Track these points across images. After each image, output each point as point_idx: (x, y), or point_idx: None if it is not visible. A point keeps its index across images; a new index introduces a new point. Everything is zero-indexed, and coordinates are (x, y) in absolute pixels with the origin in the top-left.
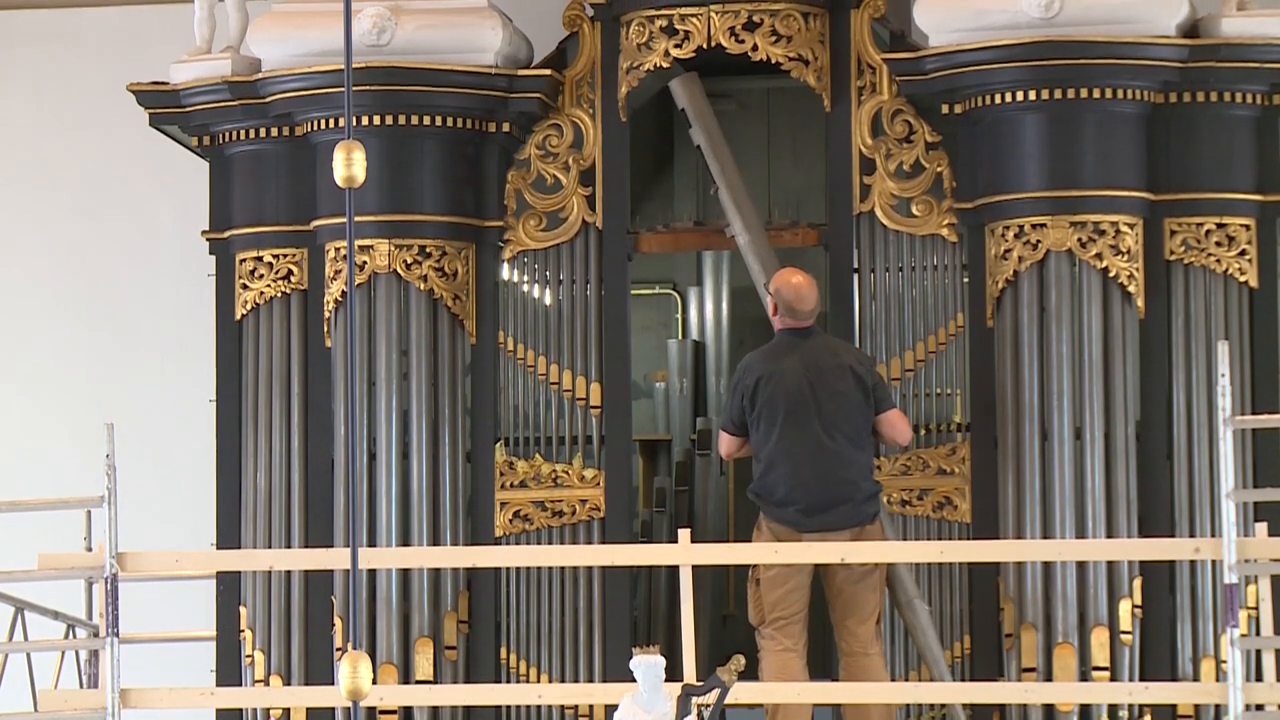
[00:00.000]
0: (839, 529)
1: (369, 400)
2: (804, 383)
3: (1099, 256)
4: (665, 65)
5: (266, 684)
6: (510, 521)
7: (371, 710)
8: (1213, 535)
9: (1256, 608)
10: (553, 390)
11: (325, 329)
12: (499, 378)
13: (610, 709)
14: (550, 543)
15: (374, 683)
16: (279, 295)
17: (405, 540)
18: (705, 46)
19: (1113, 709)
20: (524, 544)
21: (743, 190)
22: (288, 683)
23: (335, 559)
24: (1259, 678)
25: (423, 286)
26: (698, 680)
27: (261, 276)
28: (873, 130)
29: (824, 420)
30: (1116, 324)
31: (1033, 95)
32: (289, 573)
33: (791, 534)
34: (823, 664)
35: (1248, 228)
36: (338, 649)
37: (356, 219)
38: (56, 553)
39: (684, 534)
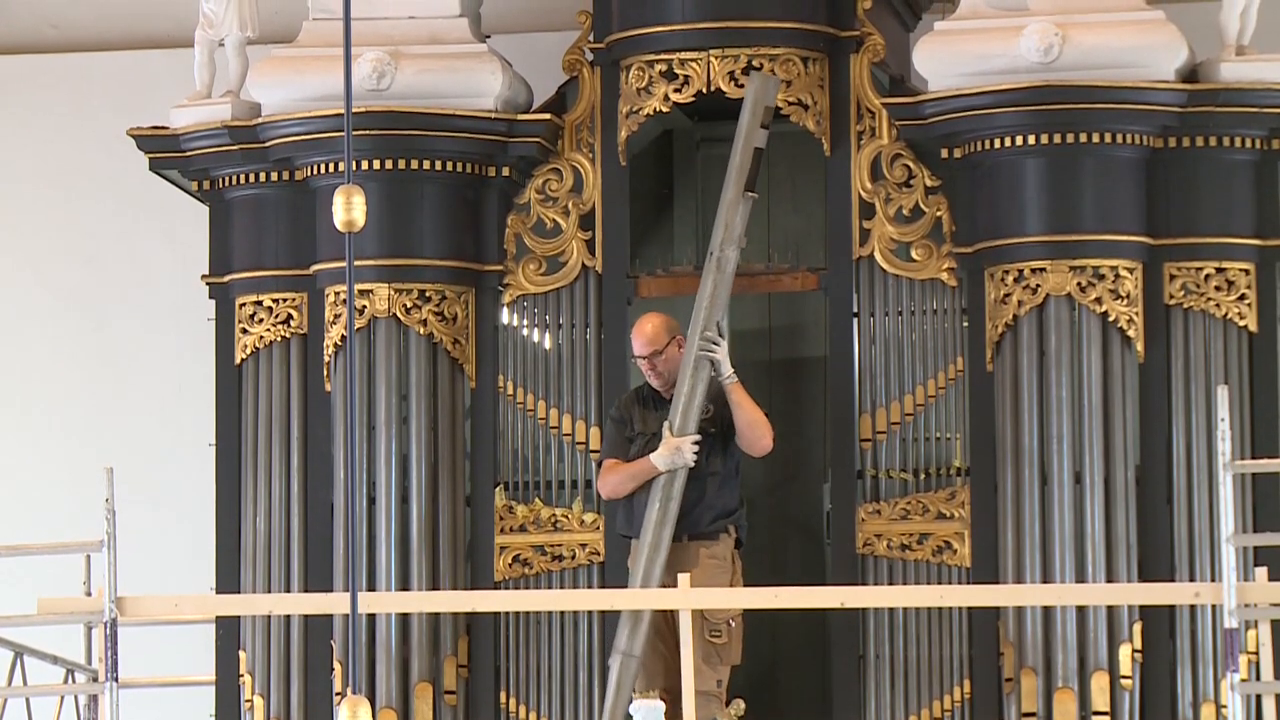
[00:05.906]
0: None
1: (368, 444)
2: None
3: (1098, 301)
4: (665, 110)
5: None
6: (509, 566)
7: None
8: (1213, 580)
9: (1257, 653)
10: (552, 434)
11: (325, 373)
12: (498, 422)
13: None
14: (550, 587)
15: None
16: (279, 339)
17: (404, 584)
18: (705, 91)
19: None
20: (523, 588)
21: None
22: None
23: (335, 603)
24: None
25: (422, 330)
26: None
27: (261, 321)
28: (872, 174)
29: None
30: (1116, 368)
31: (1032, 140)
32: (288, 617)
33: None
34: None
35: (1247, 272)
36: (337, 693)
37: (356, 263)
38: (56, 597)
39: (684, 578)
